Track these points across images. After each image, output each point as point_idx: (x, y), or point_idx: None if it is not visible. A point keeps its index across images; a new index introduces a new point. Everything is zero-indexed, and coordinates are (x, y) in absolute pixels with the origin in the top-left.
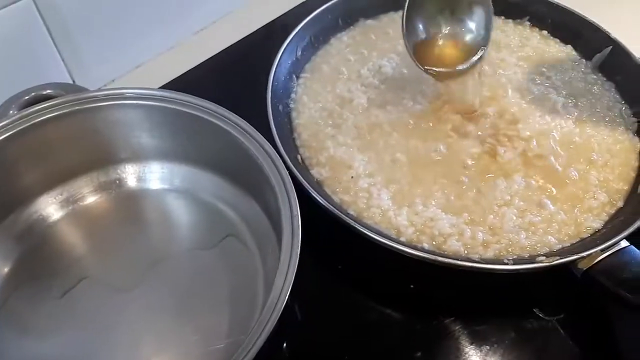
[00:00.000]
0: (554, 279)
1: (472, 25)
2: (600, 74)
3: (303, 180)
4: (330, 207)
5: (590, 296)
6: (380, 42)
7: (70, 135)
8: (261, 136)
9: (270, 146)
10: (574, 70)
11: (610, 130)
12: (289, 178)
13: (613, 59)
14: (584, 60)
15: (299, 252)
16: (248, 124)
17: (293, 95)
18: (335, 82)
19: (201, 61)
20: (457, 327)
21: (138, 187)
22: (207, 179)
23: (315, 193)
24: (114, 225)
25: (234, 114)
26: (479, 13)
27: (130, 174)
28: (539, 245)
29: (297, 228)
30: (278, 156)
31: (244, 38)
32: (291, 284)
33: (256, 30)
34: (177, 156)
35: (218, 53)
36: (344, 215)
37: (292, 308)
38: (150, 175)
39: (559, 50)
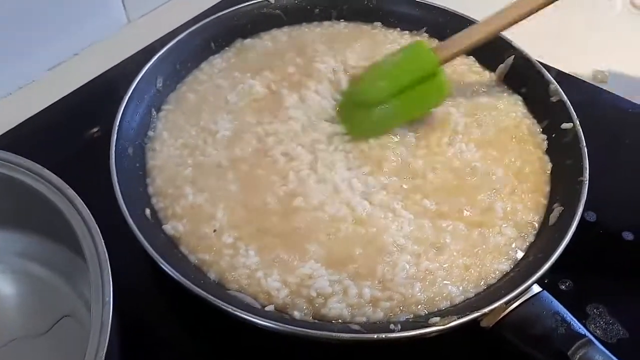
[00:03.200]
0: (463, 335)
1: None
2: (505, 86)
3: (145, 243)
4: (177, 275)
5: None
6: (258, 62)
7: None
8: (74, 194)
9: (84, 205)
10: (477, 84)
11: (518, 151)
12: (104, 250)
13: (517, 69)
14: (487, 73)
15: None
16: (60, 180)
17: (151, 133)
18: (201, 112)
19: (55, 100)
20: None
21: None
22: (30, 245)
23: (159, 257)
24: None
25: (45, 169)
26: None
27: None
28: (437, 298)
29: (107, 320)
30: (92, 219)
31: (107, 71)
32: None
33: (120, 63)
34: None
35: (75, 90)
36: (191, 284)
37: None
38: None
39: (461, 63)
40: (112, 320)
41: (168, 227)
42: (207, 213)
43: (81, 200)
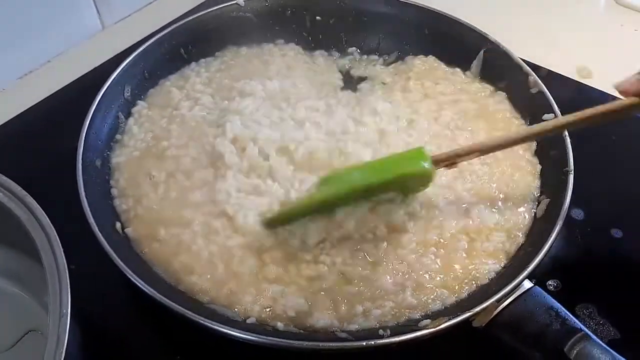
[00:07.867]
0: (457, 338)
1: None
2: (484, 83)
3: (118, 260)
4: (153, 293)
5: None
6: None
7: None
8: (34, 202)
9: (44, 214)
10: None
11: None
12: (63, 261)
13: (495, 64)
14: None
15: None
16: (19, 187)
17: (118, 137)
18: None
19: (25, 109)
20: None
21: None
22: None
23: (134, 274)
24: None
25: (3, 176)
26: None
27: None
28: (430, 300)
29: (63, 334)
30: (52, 228)
31: (79, 78)
32: None
33: (94, 69)
34: None
35: (45, 98)
36: (168, 300)
37: None
38: None
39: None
40: (73, 334)
41: (130, 230)
42: (165, 217)
43: (41, 209)
